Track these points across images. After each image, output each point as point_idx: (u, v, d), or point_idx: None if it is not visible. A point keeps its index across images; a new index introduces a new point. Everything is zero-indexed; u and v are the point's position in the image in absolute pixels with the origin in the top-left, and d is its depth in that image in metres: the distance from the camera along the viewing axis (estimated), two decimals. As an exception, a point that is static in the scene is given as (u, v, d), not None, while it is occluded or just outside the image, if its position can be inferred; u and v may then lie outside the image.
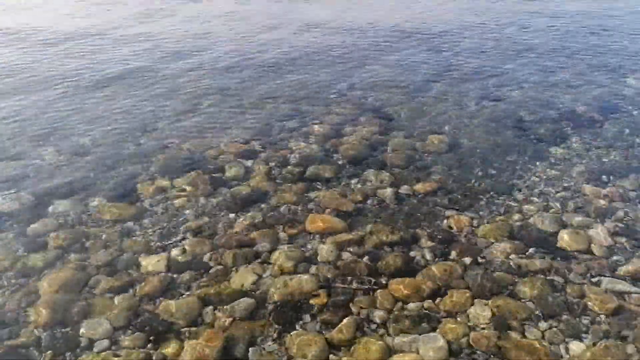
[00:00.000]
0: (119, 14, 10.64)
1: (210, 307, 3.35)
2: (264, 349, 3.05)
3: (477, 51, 8.06)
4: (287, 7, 11.10)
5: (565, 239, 3.98)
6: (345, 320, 3.21)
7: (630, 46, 8.16)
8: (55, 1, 11.95)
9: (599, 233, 4.04)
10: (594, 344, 3.05)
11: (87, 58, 7.99)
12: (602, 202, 4.43)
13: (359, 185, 4.78)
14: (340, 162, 5.15)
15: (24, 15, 10.53)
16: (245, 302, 3.37)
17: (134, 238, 4.06)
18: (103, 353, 3.02)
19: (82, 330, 3.17)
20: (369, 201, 4.55)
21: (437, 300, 3.40)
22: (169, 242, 4.03)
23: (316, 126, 5.79)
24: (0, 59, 7.89)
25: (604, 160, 5.11)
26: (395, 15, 10.30)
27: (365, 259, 3.81)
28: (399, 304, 3.38)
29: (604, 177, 4.83)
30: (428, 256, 3.85)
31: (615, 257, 3.81)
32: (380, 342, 3.05)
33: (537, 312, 3.28)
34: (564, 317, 3.25)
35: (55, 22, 9.96)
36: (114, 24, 9.89)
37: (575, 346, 3.04)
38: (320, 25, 9.75)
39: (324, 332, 3.16)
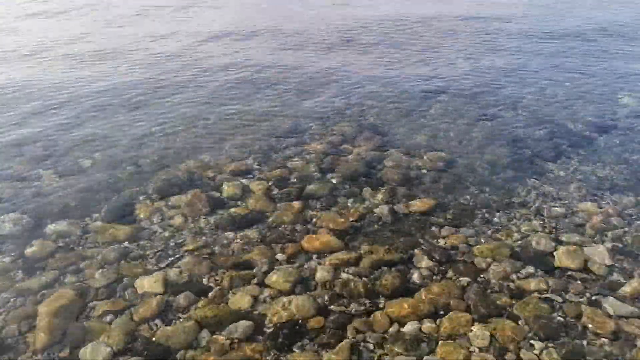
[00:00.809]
0: (115, 30, 10.71)
1: (208, 330, 3.34)
2: (261, 372, 3.04)
3: (473, 69, 8.12)
4: (284, 24, 11.18)
5: (562, 257, 3.98)
6: (342, 343, 3.21)
7: (624, 66, 8.22)
8: (36, 24, 12.04)
9: (597, 252, 4.04)
10: (592, 366, 3.04)
11: (84, 79, 8.03)
12: (599, 220, 4.44)
13: (356, 204, 4.79)
14: (337, 180, 5.16)
15: (24, 35, 10.61)
16: (243, 325, 3.37)
17: (131, 259, 4.06)
18: (100, 378, 3.02)
19: (80, 355, 3.16)
20: (365, 219, 4.56)
21: (436, 322, 3.39)
22: (166, 263, 4.03)
23: (313, 144, 5.81)
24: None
25: (600, 178, 5.12)
26: (392, 35, 10.39)
27: (363, 279, 3.80)
28: (396, 325, 3.37)
29: (600, 194, 4.84)
30: (425, 276, 3.85)
31: (613, 277, 3.81)
32: (377, 365, 3.04)
33: (533, 334, 3.27)
34: (562, 339, 3.24)
35: (45, 43, 10.03)
36: (112, 43, 9.96)
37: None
38: (317, 42, 9.82)
39: (321, 354, 3.15)
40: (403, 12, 11.93)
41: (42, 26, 11.32)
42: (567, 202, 4.75)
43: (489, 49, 9.23)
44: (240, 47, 9.51)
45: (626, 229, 4.34)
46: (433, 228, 4.42)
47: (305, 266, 3.98)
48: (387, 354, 3.16)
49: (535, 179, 5.11)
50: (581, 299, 3.58)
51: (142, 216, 4.61)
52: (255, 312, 3.50)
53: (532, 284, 3.71)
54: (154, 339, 3.27)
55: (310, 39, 10.02)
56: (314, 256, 4.09)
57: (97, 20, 11.89)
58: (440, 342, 3.22)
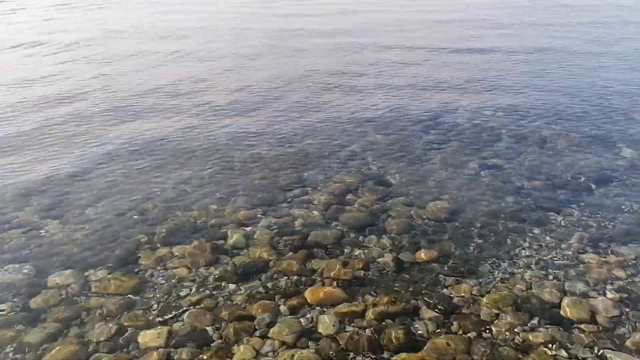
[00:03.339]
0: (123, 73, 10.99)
1: (211, 386, 3.30)
2: None
3: (474, 118, 8.26)
4: (282, 62, 11.47)
5: (567, 309, 3.96)
6: (347, 399, 3.16)
7: (624, 114, 8.37)
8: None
9: (602, 303, 4.02)
10: None
11: (87, 125, 8.18)
12: (602, 270, 4.43)
13: (360, 254, 4.80)
14: (341, 230, 5.19)
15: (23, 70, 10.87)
16: (246, 380, 3.33)
17: (134, 311, 4.05)
18: None
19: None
20: (370, 269, 4.56)
21: (441, 376, 3.35)
22: (170, 315, 4.01)
23: (317, 194, 5.88)
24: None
25: (602, 228, 5.14)
26: (390, 80, 10.63)
27: (367, 332, 3.78)
28: (403, 381, 3.33)
29: (603, 245, 4.85)
30: (431, 328, 3.82)
31: (619, 329, 3.78)
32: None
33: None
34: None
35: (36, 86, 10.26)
36: (113, 87, 10.19)
37: None
38: (319, 89, 10.03)
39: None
40: (399, 56, 12.23)
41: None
42: (569, 252, 4.75)
43: (486, 94, 9.40)
44: (240, 96, 9.72)
45: (629, 280, 4.32)
46: (438, 278, 4.42)
47: (309, 317, 3.96)
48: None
49: (537, 229, 5.13)
50: (589, 354, 3.54)
51: (146, 266, 4.62)
52: (259, 366, 3.46)
53: (538, 337, 3.68)
54: (156, 394, 3.23)
55: (311, 86, 10.23)
56: (318, 307, 4.07)
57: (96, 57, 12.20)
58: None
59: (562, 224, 5.21)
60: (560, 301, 4.06)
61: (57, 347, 3.61)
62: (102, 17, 19.50)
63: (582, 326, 3.81)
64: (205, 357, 3.54)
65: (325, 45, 13.97)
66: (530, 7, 20.29)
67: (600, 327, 3.80)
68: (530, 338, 3.68)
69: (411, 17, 18.76)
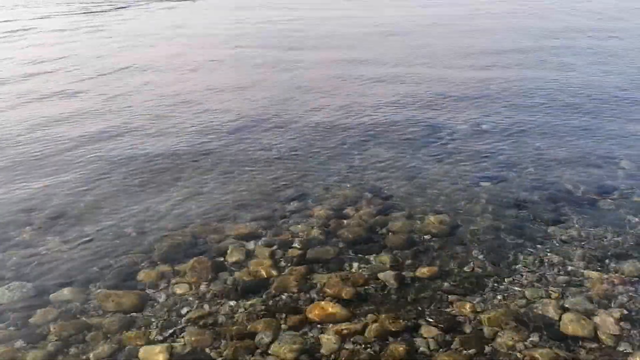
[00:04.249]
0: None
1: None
2: None
3: (473, 132, 8.29)
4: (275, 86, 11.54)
5: (569, 326, 3.95)
6: (349, 419, 3.14)
7: (622, 127, 8.41)
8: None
9: (604, 320, 4.01)
10: None
11: (90, 142, 8.20)
12: (604, 287, 4.43)
13: (360, 269, 4.80)
14: (341, 245, 5.19)
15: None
16: (246, 400, 3.31)
17: (134, 329, 4.04)
18: None
19: None
20: (370, 285, 4.56)
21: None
22: (170, 333, 4.01)
23: (316, 209, 5.88)
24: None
25: (603, 243, 5.14)
26: (389, 93, 10.69)
27: (368, 349, 3.77)
28: (404, 400, 3.32)
29: (605, 260, 4.84)
30: (432, 346, 3.82)
31: (621, 346, 3.76)
32: None
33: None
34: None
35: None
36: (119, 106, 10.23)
37: None
38: (316, 107, 10.07)
39: None
40: (397, 70, 12.29)
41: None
42: (571, 268, 4.75)
43: (485, 109, 9.44)
44: (238, 111, 9.75)
45: (631, 296, 4.31)
46: (439, 294, 4.41)
47: (310, 335, 3.95)
48: None
49: (538, 244, 5.13)
50: (591, 371, 3.53)
51: (145, 283, 4.61)
52: (260, 386, 3.44)
53: (540, 354, 3.67)
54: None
55: (309, 103, 10.27)
56: (319, 324, 4.06)
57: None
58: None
59: (563, 238, 5.21)
60: (562, 318, 4.05)
61: (57, 367, 3.60)
62: (95, 43, 19.66)
63: (583, 343, 3.80)
64: (205, 376, 3.53)
65: (323, 59, 14.05)
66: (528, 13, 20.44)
67: (602, 345, 3.79)
68: (532, 355, 3.66)
69: (406, 29, 18.89)
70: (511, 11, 22.75)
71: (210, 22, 21.91)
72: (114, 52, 15.25)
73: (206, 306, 4.30)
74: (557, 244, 5.12)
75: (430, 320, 4.07)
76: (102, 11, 25.11)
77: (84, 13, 24.52)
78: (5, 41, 17.31)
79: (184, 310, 4.25)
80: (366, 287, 4.53)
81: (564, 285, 4.49)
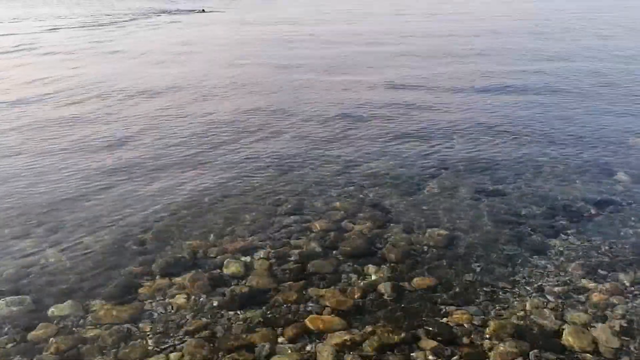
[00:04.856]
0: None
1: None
2: None
3: (470, 145, 8.34)
4: (276, 102, 11.61)
5: (568, 337, 3.95)
6: None
7: (618, 140, 8.46)
8: None
9: (603, 332, 4.00)
10: None
11: (85, 154, 8.23)
12: (602, 298, 4.42)
13: (358, 281, 4.79)
14: (339, 258, 5.19)
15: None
16: (244, 412, 3.29)
17: (132, 341, 4.03)
18: None
19: None
20: (369, 298, 4.55)
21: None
22: (168, 345, 3.99)
23: (314, 222, 5.89)
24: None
25: (600, 254, 5.15)
26: (386, 107, 10.77)
27: (367, 362, 3.76)
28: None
29: (603, 272, 4.84)
30: (431, 358, 3.80)
31: (621, 359, 3.75)
32: None
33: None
34: None
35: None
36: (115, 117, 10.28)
37: None
38: (316, 120, 10.14)
39: None
40: (394, 96, 12.40)
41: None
42: (569, 279, 4.75)
43: (482, 123, 9.50)
44: (237, 125, 9.81)
45: (630, 308, 4.31)
46: (437, 306, 4.40)
47: (308, 348, 3.93)
48: None
49: (536, 255, 5.13)
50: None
51: (144, 296, 4.60)
52: (258, 398, 3.43)
53: (540, 367, 3.66)
54: None
55: (307, 118, 10.33)
56: (317, 337, 4.05)
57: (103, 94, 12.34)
58: None
59: (561, 250, 5.22)
60: (561, 330, 4.04)
61: (54, 380, 3.58)
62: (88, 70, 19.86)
63: (583, 356, 3.78)
64: (203, 389, 3.51)
65: (322, 78, 14.17)
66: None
67: (602, 357, 3.77)
68: (531, 367, 3.66)
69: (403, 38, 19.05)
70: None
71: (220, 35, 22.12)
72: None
73: (204, 318, 4.29)
74: (555, 256, 5.13)
75: (429, 331, 4.06)
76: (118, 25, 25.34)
77: (93, 27, 24.74)
78: (13, 57, 17.48)
79: (181, 323, 4.24)
80: (365, 299, 4.52)
81: (563, 296, 4.49)
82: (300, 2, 48.51)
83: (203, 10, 38.98)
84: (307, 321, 4.21)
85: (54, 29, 25.60)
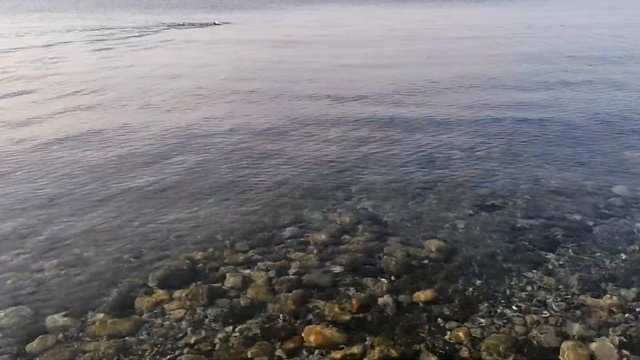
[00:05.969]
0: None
1: None
2: None
3: (468, 160, 8.36)
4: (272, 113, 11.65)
5: (568, 353, 3.93)
6: None
7: (614, 153, 8.51)
8: None
9: (602, 347, 3.99)
10: None
11: (90, 171, 8.22)
12: (602, 313, 4.42)
13: (357, 295, 4.78)
14: (338, 270, 5.18)
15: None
16: None
17: (130, 354, 4.01)
18: None
19: None
20: (368, 310, 4.54)
21: None
22: (166, 358, 3.97)
23: (313, 234, 5.89)
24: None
25: (599, 268, 5.15)
26: (384, 119, 10.82)
27: (366, 377, 3.74)
28: None
29: (601, 286, 4.84)
30: (430, 374, 3.79)
31: (620, 374, 3.75)
32: None
33: None
34: None
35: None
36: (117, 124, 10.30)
37: None
38: (315, 132, 10.17)
39: None
40: (393, 111, 12.45)
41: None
42: (568, 294, 4.74)
43: (481, 137, 9.54)
44: (236, 138, 9.83)
45: (630, 323, 4.30)
46: (437, 320, 4.39)
47: (306, 361, 3.92)
48: None
49: (535, 270, 5.13)
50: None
51: (142, 309, 4.59)
52: (256, 413, 3.40)
53: (539, 382, 3.65)
54: None
55: (305, 131, 10.36)
56: (316, 351, 4.03)
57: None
58: None
59: (560, 264, 5.22)
60: (560, 345, 4.03)
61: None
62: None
63: (582, 371, 3.78)
64: (201, 403, 3.48)
65: (321, 91, 14.24)
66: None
67: (601, 372, 3.76)
68: (531, 383, 3.64)
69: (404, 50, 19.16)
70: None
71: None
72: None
73: (202, 331, 4.27)
74: (553, 270, 5.13)
75: (429, 345, 4.05)
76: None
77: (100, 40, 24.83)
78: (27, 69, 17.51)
79: (180, 336, 4.22)
80: (364, 313, 4.51)
81: (562, 311, 4.48)
82: (308, 14, 48.82)
83: (215, 24, 37.83)
84: (305, 334, 4.20)
85: (49, 44, 25.68)
